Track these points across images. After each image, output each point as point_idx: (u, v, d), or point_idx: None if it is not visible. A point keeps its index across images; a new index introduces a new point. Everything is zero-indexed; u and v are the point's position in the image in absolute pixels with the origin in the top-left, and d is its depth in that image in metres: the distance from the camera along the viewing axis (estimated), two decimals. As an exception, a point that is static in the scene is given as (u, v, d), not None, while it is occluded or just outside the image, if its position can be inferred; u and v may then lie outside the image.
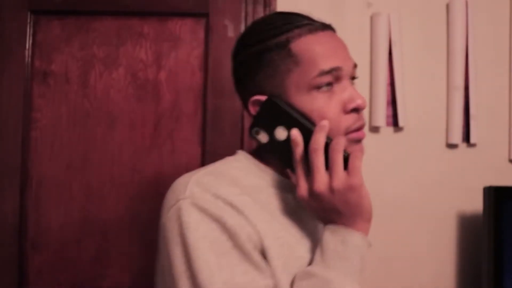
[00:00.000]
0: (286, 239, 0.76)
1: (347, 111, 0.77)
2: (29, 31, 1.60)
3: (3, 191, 1.57)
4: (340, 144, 0.72)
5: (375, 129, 1.60)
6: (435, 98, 1.61)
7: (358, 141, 0.79)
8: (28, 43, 1.59)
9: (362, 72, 1.61)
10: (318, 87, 0.76)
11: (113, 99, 1.60)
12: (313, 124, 0.75)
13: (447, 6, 1.62)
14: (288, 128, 0.75)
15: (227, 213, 0.72)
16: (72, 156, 1.59)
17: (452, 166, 1.60)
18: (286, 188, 0.82)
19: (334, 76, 0.77)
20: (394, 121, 1.59)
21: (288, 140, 0.75)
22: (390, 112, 1.59)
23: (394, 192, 1.59)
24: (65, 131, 1.59)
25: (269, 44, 0.78)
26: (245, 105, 0.85)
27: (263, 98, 0.78)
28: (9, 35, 1.59)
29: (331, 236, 0.74)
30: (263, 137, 0.77)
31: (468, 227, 1.59)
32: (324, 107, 0.76)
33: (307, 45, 0.78)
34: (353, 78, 0.82)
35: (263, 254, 0.73)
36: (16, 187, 1.57)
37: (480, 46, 1.61)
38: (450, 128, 1.59)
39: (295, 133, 0.75)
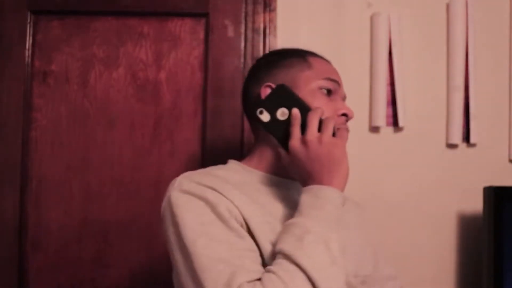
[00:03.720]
0: (267, 219, 0.88)
1: (338, 115, 0.96)
2: (29, 31, 1.60)
3: (3, 191, 1.57)
4: (331, 118, 0.89)
5: (375, 129, 1.60)
6: (435, 98, 1.61)
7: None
8: (28, 43, 1.59)
9: (362, 72, 1.61)
10: (321, 88, 0.97)
11: (113, 99, 1.60)
12: (311, 108, 0.90)
13: (447, 6, 1.62)
14: (289, 110, 0.89)
15: (208, 192, 0.86)
16: (72, 156, 1.59)
17: (452, 166, 1.60)
18: (272, 182, 0.97)
19: (333, 87, 0.98)
20: (394, 121, 1.59)
21: (287, 120, 0.89)
22: (390, 112, 1.59)
23: (394, 192, 1.59)
24: (65, 131, 1.59)
25: (290, 53, 1.03)
26: (253, 94, 1.02)
27: (273, 85, 0.97)
28: (9, 35, 1.59)
29: (305, 194, 0.86)
30: (265, 117, 0.90)
31: (468, 227, 1.59)
32: (322, 106, 0.93)
33: (319, 61, 1.02)
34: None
35: (246, 224, 0.85)
36: (16, 187, 1.57)
37: (480, 46, 1.61)
38: (450, 128, 1.59)
39: (296, 111, 0.89)
